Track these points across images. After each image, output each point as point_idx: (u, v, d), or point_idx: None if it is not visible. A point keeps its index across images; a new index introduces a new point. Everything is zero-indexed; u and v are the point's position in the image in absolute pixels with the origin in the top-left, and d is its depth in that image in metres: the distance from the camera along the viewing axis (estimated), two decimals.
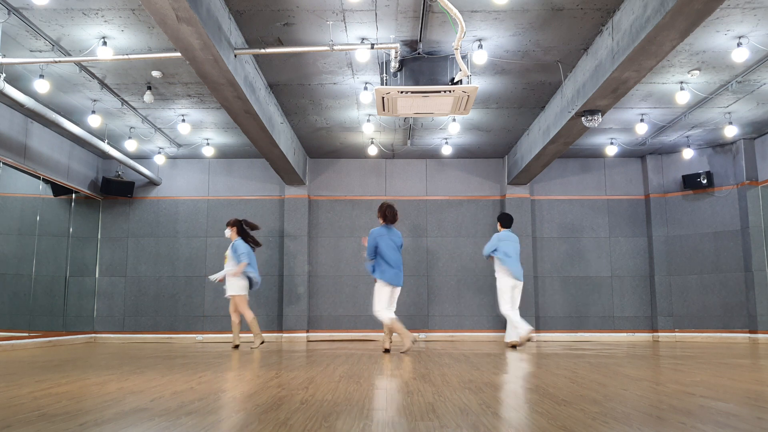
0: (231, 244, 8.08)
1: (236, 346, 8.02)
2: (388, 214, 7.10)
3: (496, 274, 8.16)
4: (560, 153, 8.91)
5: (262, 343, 7.93)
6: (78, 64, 6.82)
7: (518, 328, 7.80)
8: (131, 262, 10.72)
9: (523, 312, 10.62)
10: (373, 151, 10.33)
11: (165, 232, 10.84)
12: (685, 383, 3.76)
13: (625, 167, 11.15)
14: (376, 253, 7.00)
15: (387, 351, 7.02)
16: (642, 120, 8.91)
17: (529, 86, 7.81)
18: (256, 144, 8.28)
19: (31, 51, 6.51)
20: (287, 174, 10.05)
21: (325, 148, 10.52)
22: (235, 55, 6.05)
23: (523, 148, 9.83)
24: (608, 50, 6.09)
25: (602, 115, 7.15)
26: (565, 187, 11.13)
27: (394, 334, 7.28)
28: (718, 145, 10.39)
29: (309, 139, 10.01)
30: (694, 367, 4.88)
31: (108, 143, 9.35)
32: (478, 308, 10.79)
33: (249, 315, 7.93)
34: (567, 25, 6.17)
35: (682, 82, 7.56)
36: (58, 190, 9.64)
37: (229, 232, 8.15)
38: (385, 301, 6.99)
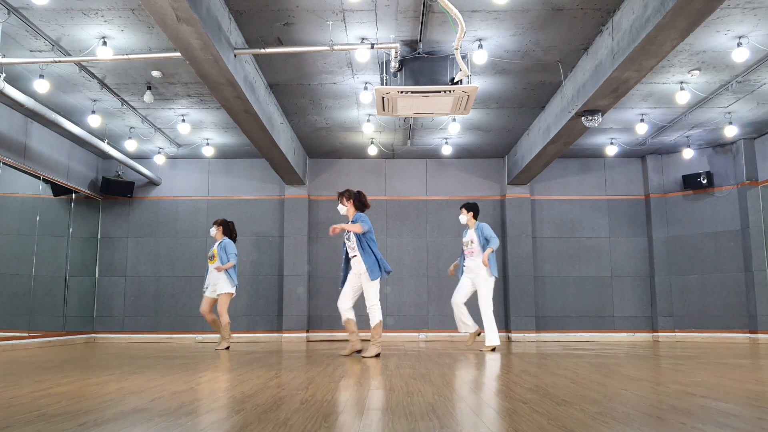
0: (219, 243, 8.13)
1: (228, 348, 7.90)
2: (363, 200, 6.45)
3: (486, 272, 7.27)
4: (560, 153, 8.91)
5: (228, 348, 7.80)
6: (78, 64, 6.81)
7: (495, 331, 7.53)
8: (131, 262, 10.71)
9: (524, 312, 10.67)
10: (373, 151, 10.33)
11: (165, 232, 10.84)
12: (685, 383, 3.75)
13: (625, 167, 11.14)
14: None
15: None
16: (642, 120, 8.91)
17: (529, 86, 7.81)
18: (256, 144, 8.28)
19: (31, 51, 6.51)
20: (287, 174, 10.04)
21: (325, 148, 10.52)
22: (235, 55, 6.05)
23: (523, 148, 9.82)
24: (608, 50, 6.09)
25: (602, 115, 7.15)
26: (565, 187, 11.12)
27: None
28: (718, 145, 10.38)
29: (309, 139, 10.01)
30: (694, 367, 4.88)
31: (108, 143, 9.35)
32: (478, 308, 10.75)
33: (226, 318, 7.93)
34: (567, 25, 6.17)
35: (682, 82, 7.56)
36: (58, 190, 9.63)
37: (214, 231, 8.25)
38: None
